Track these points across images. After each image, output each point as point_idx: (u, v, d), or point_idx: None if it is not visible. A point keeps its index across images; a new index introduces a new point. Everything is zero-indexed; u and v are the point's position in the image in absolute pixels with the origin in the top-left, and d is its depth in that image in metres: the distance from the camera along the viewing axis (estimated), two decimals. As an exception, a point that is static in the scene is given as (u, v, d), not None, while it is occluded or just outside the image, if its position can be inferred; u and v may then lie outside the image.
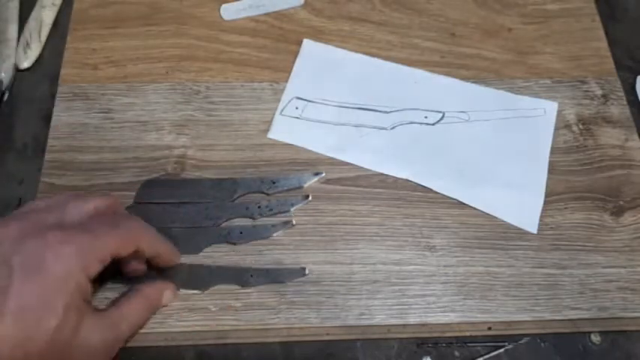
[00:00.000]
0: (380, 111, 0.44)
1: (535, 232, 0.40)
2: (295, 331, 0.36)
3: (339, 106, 0.44)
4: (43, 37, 0.48)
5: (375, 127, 0.44)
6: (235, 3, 0.50)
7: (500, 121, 0.45)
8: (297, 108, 0.44)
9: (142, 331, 0.35)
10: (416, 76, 0.46)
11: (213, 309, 0.36)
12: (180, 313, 0.36)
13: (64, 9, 0.49)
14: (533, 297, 0.38)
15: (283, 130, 0.43)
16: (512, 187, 0.42)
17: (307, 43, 0.47)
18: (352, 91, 0.45)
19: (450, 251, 0.39)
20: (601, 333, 0.38)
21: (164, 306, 0.36)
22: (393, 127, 0.44)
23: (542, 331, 0.37)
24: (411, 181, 0.42)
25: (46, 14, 0.48)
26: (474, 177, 0.42)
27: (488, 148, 0.43)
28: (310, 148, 0.43)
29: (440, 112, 0.45)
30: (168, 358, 0.36)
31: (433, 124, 0.44)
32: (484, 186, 0.42)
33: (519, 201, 0.41)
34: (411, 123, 0.44)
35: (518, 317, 0.37)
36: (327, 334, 0.36)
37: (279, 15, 0.49)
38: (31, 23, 0.48)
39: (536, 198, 0.42)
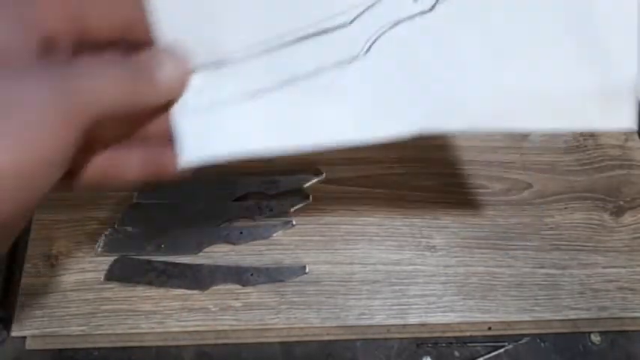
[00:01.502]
0: (333, 28, 0.24)
1: (635, 127, 0.26)
2: (295, 331, 0.36)
3: (261, 53, 0.24)
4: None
5: (337, 63, 0.25)
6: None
7: None
8: (202, 89, 0.24)
9: (142, 331, 0.35)
10: None
11: (213, 309, 0.36)
12: (180, 313, 0.36)
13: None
14: (533, 297, 0.38)
15: (198, 144, 0.24)
16: (596, 60, 0.25)
17: None
18: (269, 13, 0.24)
19: (450, 251, 0.39)
20: (601, 333, 0.38)
21: (165, 91, 0.23)
22: (367, 49, 0.25)
23: (542, 331, 0.38)
24: (425, 138, 0.25)
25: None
26: (528, 78, 0.25)
27: (540, 11, 0.25)
28: (254, 151, 0.24)
29: None
30: (168, 358, 0.36)
31: (432, 8, 0.25)
32: (552, 83, 0.25)
33: (608, 83, 0.26)
34: (395, 25, 0.25)
35: (518, 317, 0.37)
36: (327, 334, 0.37)
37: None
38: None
39: (628, 61, 0.26)
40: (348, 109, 0.25)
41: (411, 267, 0.38)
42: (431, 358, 0.37)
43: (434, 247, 0.39)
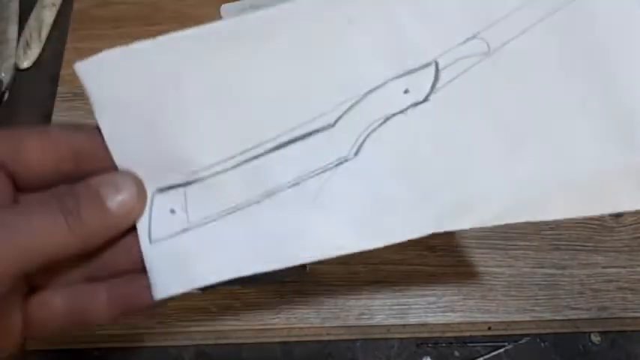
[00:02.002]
0: (316, 130, 0.22)
1: None
2: (295, 331, 0.36)
3: (237, 165, 0.22)
4: (43, 37, 0.48)
5: (323, 168, 0.22)
6: (235, 3, 0.50)
7: (560, 13, 0.22)
8: (172, 212, 0.22)
9: (142, 331, 0.35)
10: (344, 8, 0.21)
11: (213, 309, 0.36)
12: (180, 313, 0.36)
13: (64, 9, 0.49)
14: (533, 297, 0.38)
15: (172, 273, 0.22)
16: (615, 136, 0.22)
17: (83, 68, 0.22)
18: (240, 123, 0.22)
19: (450, 251, 0.39)
20: (601, 333, 0.38)
21: (129, 219, 0.22)
22: (357, 150, 0.22)
23: (542, 331, 0.37)
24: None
25: (46, 14, 0.48)
26: (548, 162, 0.22)
27: (553, 86, 0.22)
28: (238, 274, 0.22)
29: (428, 63, 0.22)
30: (168, 358, 0.36)
31: (426, 98, 0.22)
32: (571, 166, 0.22)
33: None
34: (386, 120, 0.22)
35: (518, 317, 0.37)
36: (327, 334, 0.36)
37: (279, 15, 0.49)
38: (31, 23, 0.48)
39: None
40: (342, 217, 0.22)
41: (410, 267, 0.38)
42: (431, 358, 0.37)
43: (434, 247, 0.39)
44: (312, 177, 0.22)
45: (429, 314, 0.37)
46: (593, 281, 0.38)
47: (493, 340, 0.37)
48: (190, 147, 0.22)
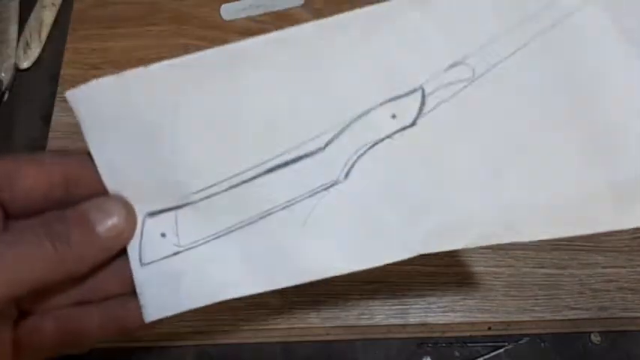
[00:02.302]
0: (307, 154, 0.22)
1: None
2: (295, 331, 0.36)
3: (227, 189, 0.22)
4: (43, 37, 0.48)
5: (314, 191, 0.22)
6: (235, 3, 0.50)
7: (543, 38, 0.22)
8: (163, 236, 0.22)
9: (142, 331, 0.35)
10: (331, 37, 0.22)
11: (214, 309, 0.36)
12: (180, 313, 0.36)
13: (64, 9, 0.49)
14: (533, 297, 0.38)
15: (163, 296, 0.23)
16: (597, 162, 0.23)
17: (74, 95, 0.22)
18: (231, 147, 0.22)
19: (450, 251, 0.39)
20: (601, 333, 0.38)
21: (119, 242, 0.22)
22: (346, 173, 0.22)
23: (542, 331, 0.38)
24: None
25: (46, 14, 0.48)
26: (536, 185, 0.23)
27: (538, 112, 0.22)
28: (230, 296, 0.23)
29: (414, 89, 0.22)
30: (168, 358, 0.36)
31: (414, 123, 0.22)
32: (555, 188, 0.23)
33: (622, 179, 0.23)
34: (374, 144, 0.22)
35: (518, 317, 0.37)
36: (328, 334, 0.36)
37: (279, 15, 0.49)
38: (31, 23, 0.48)
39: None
40: (332, 240, 0.23)
41: (410, 267, 0.38)
42: (431, 358, 0.37)
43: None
44: (302, 200, 0.22)
45: (429, 314, 0.37)
46: (593, 281, 0.38)
47: (493, 340, 0.37)
48: (181, 171, 0.22)
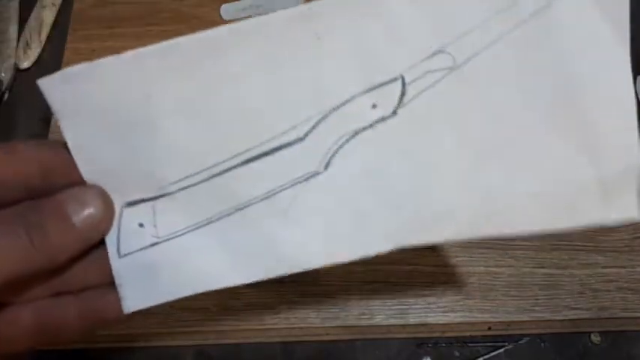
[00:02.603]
0: (286, 145, 0.22)
1: (638, 216, 0.22)
2: (295, 331, 0.36)
3: (206, 179, 0.22)
4: (43, 37, 0.48)
5: (294, 181, 0.22)
6: (235, 3, 0.50)
7: (525, 28, 0.21)
8: (141, 226, 0.22)
9: (142, 331, 0.35)
10: (312, 24, 0.21)
11: (213, 309, 0.36)
12: (180, 313, 0.36)
13: (64, 9, 0.49)
14: (533, 297, 0.38)
15: (142, 286, 0.22)
16: (585, 149, 0.22)
17: (46, 84, 0.22)
18: (208, 138, 0.22)
19: (450, 251, 0.39)
20: (601, 333, 0.38)
21: (96, 234, 0.22)
22: (327, 164, 0.22)
23: (542, 331, 0.38)
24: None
25: (46, 14, 0.49)
26: (516, 178, 0.22)
27: (518, 100, 0.22)
28: (209, 287, 0.22)
29: (395, 78, 0.22)
30: (168, 358, 0.36)
31: (394, 112, 0.22)
32: (537, 180, 0.22)
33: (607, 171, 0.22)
34: (355, 134, 0.22)
35: (518, 317, 0.37)
36: (327, 334, 0.36)
37: (279, 15, 0.49)
38: (31, 23, 0.48)
39: (628, 148, 0.22)
40: (313, 231, 0.22)
41: (410, 267, 0.38)
42: (431, 358, 0.37)
43: (434, 247, 0.39)
44: (282, 190, 0.22)
45: (429, 314, 0.37)
46: (593, 281, 0.38)
47: (493, 340, 0.37)
48: (158, 162, 0.22)
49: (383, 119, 0.22)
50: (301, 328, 0.36)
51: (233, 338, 0.36)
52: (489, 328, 0.37)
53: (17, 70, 0.46)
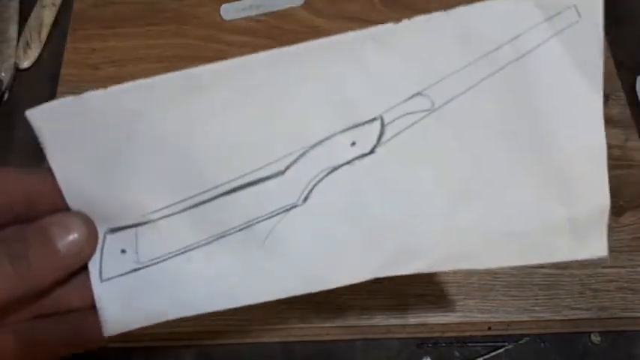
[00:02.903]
0: (266, 177, 0.22)
1: (606, 254, 0.24)
2: (295, 331, 0.36)
3: (187, 208, 0.22)
4: (43, 37, 0.48)
5: (273, 213, 0.23)
6: (235, 3, 0.49)
7: (502, 73, 0.22)
8: (124, 252, 0.23)
9: (142, 331, 0.35)
10: (292, 65, 0.22)
11: (213, 309, 0.36)
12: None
13: (64, 9, 0.49)
14: (533, 297, 0.38)
15: (123, 310, 0.23)
16: (552, 191, 0.23)
17: (34, 115, 0.21)
18: (190, 169, 0.22)
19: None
20: (601, 333, 0.38)
21: (80, 259, 0.22)
22: (305, 197, 0.23)
23: (542, 331, 0.38)
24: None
25: (46, 14, 0.48)
26: (493, 213, 0.23)
27: (494, 142, 0.23)
28: (187, 312, 0.23)
29: (374, 118, 0.22)
30: (168, 358, 0.36)
31: (372, 151, 0.23)
32: (512, 220, 0.23)
33: (574, 212, 0.23)
34: (333, 170, 0.23)
35: (518, 317, 0.37)
36: (327, 334, 0.36)
37: (279, 15, 0.49)
38: (31, 23, 0.48)
39: (598, 191, 0.23)
40: (289, 261, 0.23)
41: (411, 267, 0.38)
42: (431, 358, 0.37)
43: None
44: (261, 221, 0.23)
45: (429, 314, 0.37)
46: (593, 281, 0.38)
47: (493, 340, 0.37)
48: (140, 192, 0.22)
49: (361, 157, 0.23)
50: (301, 328, 0.36)
51: (233, 338, 0.36)
52: (489, 328, 0.37)
53: (17, 70, 0.46)
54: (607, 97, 0.46)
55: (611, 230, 0.40)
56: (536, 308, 0.37)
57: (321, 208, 0.23)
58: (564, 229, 0.24)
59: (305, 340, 0.36)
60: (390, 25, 0.22)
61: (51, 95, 0.44)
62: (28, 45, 0.47)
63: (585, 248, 0.24)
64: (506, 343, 0.37)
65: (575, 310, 0.37)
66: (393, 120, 0.22)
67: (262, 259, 0.23)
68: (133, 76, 0.49)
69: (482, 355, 0.37)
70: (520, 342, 0.37)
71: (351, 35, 0.22)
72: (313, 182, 0.23)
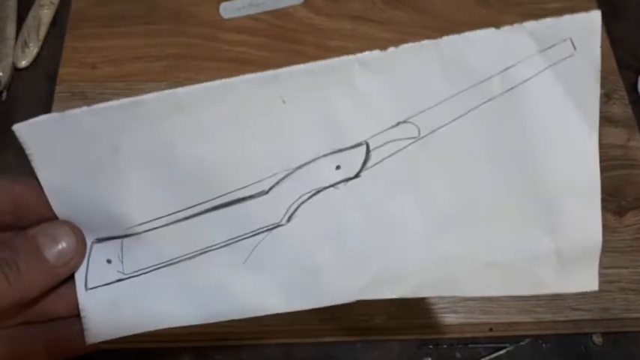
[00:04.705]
0: (250, 196, 0.23)
1: (597, 289, 0.24)
2: (295, 333, 0.36)
3: (171, 223, 0.23)
4: (41, 36, 0.47)
5: (256, 231, 0.23)
6: (235, 1, 0.49)
7: (489, 106, 0.22)
8: (109, 262, 0.23)
9: (142, 332, 0.35)
10: (278, 88, 0.22)
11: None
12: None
13: (62, 8, 0.49)
14: (535, 298, 0.37)
15: (105, 318, 0.23)
16: (542, 227, 0.23)
17: (21, 129, 0.23)
18: (176, 185, 0.23)
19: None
20: (603, 334, 0.37)
21: (68, 269, 0.22)
22: (289, 217, 0.23)
23: (544, 332, 0.37)
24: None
25: (44, 13, 0.48)
26: (476, 241, 0.23)
27: (481, 173, 0.23)
28: (169, 324, 0.23)
29: (359, 143, 0.23)
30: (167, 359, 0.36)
31: (357, 175, 0.23)
32: (499, 250, 0.23)
33: (569, 246, 0.23)
34: (316, 192, 0.23)
35: (519, 318, 0.37)
36: (327, 336, 0.36)
37: (278, 13, 0.49)
38: (30, 22, 0.48)
39: (590, 226, 0.23)
40: (270, 280, 0.23)
41: (411, 267, 0.38)
42: (432, 359, 0.36)
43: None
44: (243, 239, 0.23)
45: (430, 315, 0.37)
46: (594, 282, 0.38)
47: (494, 341, 0.37)
48: (126, 205, 0.23)
49: (346, 180, 0.23)
50: (300, 329, 0.36)
51: (233, 340, 0.36)
52: (491, 329, 0.37)
53: (15, 69, 0.46)
54: (609, 97, 0.46)
55: (613, 230, 0.40)
56: (538, 309, 0.37)
57: (305, 229, 0.23)
58: (552, 262, 0.23)
59: (304, 341, 0.36)
60: (377, 52, 0.22)
61: (49, 94, 0.44)
62: (26, 44, 0.47)
63: (575, 282, 0.24)
64: (508, 344, 0.37)
65: (576, 311, 0.37)
66: (379, 146, 0.22)
67: (244, 275, 0.23)
68: (132, 75, 0.49)
69: (484, 357, 0.37)
70: (521, 343, 0.37)
71: (338, 60, 0.22)
72: (297, 203, 0.23)
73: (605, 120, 0.45)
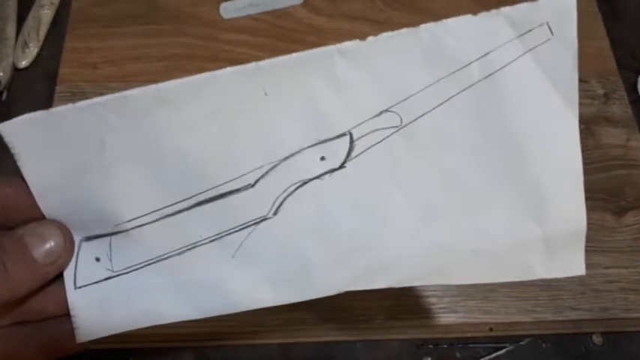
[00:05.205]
0: (236, 190, 0.23)
1: (584, 273, 0.24)
2: (294, 332, 0.36)
3: (159, 219, 0.23)
4: (42, 36, 0.47)
5: (243, 225, 0.23)
6: (235, 1, 0.49)
7: (470, 92, 0.22)
8: (98, 260, 0.23)
9: (141, 332, 0.35)
10: (260, 80, 0.22)
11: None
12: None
13: (63, 8, 0.49)
14: (535, 298, 0.37)
15: (96, 317, 0.23)
16: (528, 213, 0.23)
17: (6, 128, 0.22)
18: (162, 181, 0.22)
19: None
20: (602, 334, 0.37)
21: (57, 268, 0.22)
22: (275, 210, 0.23)
23: (544, 332, 0.37)
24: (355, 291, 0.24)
25: (44, 13, 0.48)
26: (461, 230, 0.23)
27: (465, 160, 0.23)
28: (159, 321, 0.23)
29: (343, 133, 0.23)
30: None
31: (342, 166, 0.23)
32: (481, 238, 0.23)
33: (552, 232, 0.23)
34: (302, 184, 0.23)
35: (519, 318, 0.37)
36: (327, 335, 0.36)
37: (278, 14, 0.49)
38: (30, 22, 0.48)
39: (574, 209, 0.23)
40: (259, 273, 0.23)
41: (411, 267, 0.38)
42: (432, 358, 0.36)
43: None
44: (231, 233, 0.23)
45: (430, 315, 0.37)
46: (594, 282, 0.38)
47: (494, 341, 0.37)
48: (113, 202, 0.23)
49: (331, 171, 0.23)
50: (300, 329, 0.36)
51: (232, 340, 0.36)
52: (490, 329, 0.37)
53: (15, 70, 0.46)
54: (608, 97, 0.46)
55: (613, 230, 0.40)
56: (538, 309, 0.37)
57: (291, 221, 0.23)
58: (539, 248, 0.23)
59: (304, 341, 0.36)
60: (357, 42, 0.22)
61: (49, 95, 0.44)
62: (26, 44, 0.47)
63: (562, 267, 0.24)
64: (508, 344, 0.37)
65: (576, 310, 0.37)
66: (362, 136, 0.23)
67: (233, 270, 0.23)
68: (132, 75, 0.49)
69: (484, 356, 0.37)
70: (521, 343, 0.37)
71: (318, 50, 0.22)
72: (283, 195, 0.23)
73: (605, 120, 0.45)
